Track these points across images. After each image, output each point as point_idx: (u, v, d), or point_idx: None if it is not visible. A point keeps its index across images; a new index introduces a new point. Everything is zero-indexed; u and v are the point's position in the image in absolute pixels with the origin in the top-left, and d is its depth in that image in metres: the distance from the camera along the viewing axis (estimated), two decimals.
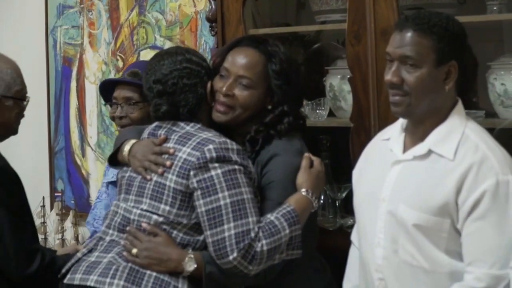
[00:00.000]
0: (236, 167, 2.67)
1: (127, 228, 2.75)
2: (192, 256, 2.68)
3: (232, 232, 2.61)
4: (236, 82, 2.92)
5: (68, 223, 4.63)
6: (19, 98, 3.24)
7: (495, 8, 3.16)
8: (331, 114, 3.51)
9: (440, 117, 2.60)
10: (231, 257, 2.59)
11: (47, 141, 4.87)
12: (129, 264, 2.68)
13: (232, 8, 3.50)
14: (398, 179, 2.62)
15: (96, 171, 4.74)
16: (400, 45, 2.55)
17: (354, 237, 2.92)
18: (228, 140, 2.70)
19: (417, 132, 2.62)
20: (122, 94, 3.43)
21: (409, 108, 2.57)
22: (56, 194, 4.66)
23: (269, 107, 2.94)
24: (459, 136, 2.55)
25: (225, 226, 2.61)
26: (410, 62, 2.53)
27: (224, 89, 2.90)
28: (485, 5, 3.18)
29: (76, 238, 4.61)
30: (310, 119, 3.43)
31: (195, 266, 2.67)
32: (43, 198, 4.64)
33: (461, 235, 2.50)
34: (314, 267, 2.98)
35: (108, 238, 2.82)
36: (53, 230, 4.69)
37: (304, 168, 2.82)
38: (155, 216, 2.72)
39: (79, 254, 2.84)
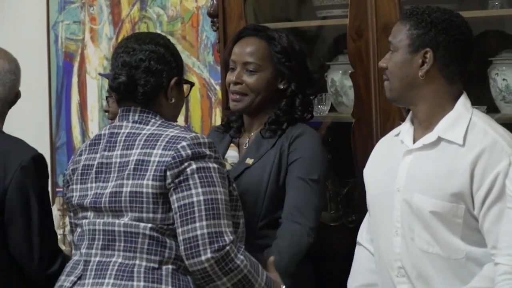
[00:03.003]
0: (211, 165, 2.55)
1: None
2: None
3: (205, 230, 2.49)
4: (243, 69, 3.06)
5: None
6: None
7: (496, 3, 3.13)
8: (332, 109, 3.50)
9: (445, 107, 2.66)
10: (203, 257, 2.47)
11: (48, 136, 4.87)
12: None
13: (234, 3, 3.47)
14: (411, 168, 2.67)
15: None
16: (391, 34, 2.72)
17: (361, 238, 2.93)
18: (198, 134, 2.60)
19: (425, 122, 2.68)
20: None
21: (391, 92, 2.71)
22: (57, 189, 4.63)
23: (281, 86, 3.07)
24: (466, 123, 2.62)
25: (197, 224, 2.49)
26: (391, 48, 2.69)
27: (234, 78, 3.05)
28: (487, 0, 3.16)
29: None
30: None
31: None
32: None
33: (481, 221, 2.55)
34: None
35: (94, 260, 2.61)
36: (55, 226, 4.67)
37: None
38: (142, 224, 2.54)
39: (66, 284, 2.64)
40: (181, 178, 2.51)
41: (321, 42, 3.73)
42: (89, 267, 2.60)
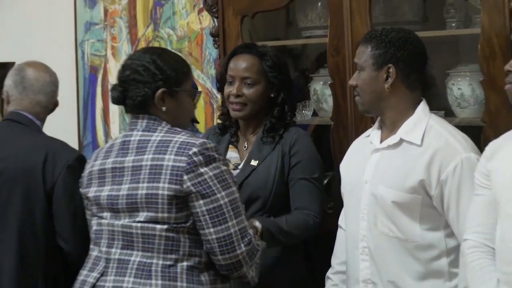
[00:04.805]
0: (223, 168, 2.48)
1: None
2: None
3: (237, 228, 2.45)
4: (242, 83, 3.04)
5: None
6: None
7: (453, 24, 3.18)
8: (314, 114, 3.54)
9: (408, 112, 2.68)
10: (238, 251, 2.45)
11: (77, 136, 4.84)
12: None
13: (232, 25, 3.49)
14: (377, 164, 2.70)
15: None
16: (355, 56, 2.73)
17: (341, 221, 2.93)
18: (205, 140, 2.51)
19: (390, 126, 2.70)
20: None
21: (363, 106, 2.73)
22: None
23: (272, 95, 3.06)
24: (424, 126, 2.64)
25: (229, 223, 2.44)
26: (358, 68, 2.70)
27: (235, 91, 3.04)
28: (445, 22, 3.21)
29: None
30: (297, 118, 3.36)
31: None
32: None
33: (446, 211, 2.57)
34: None
35: (115, 258, 2.53)
36: None
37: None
38: (159, 226, 2.46)
39: (90, 279, 2.55)
40: (203, 184, 2.43)
41: (305, 58, 3.79)
42: (110, 264, 2.53)
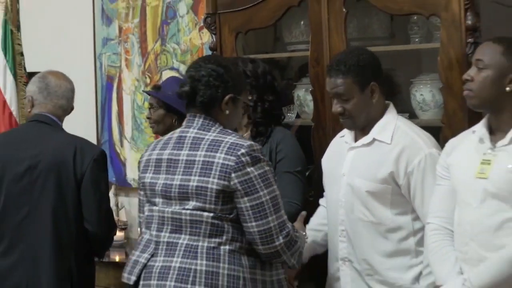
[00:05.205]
0: (266, 168, 2.40)
1: None
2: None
3: (276, 222, 2.37)
4: None
5: (111, 194, 4.56)
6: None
7: (416, 39, 3.15)
8: (298, 116, 3.50)
9: (377, 117, 2.67)
10: (277, 243, 2.37)
11: (95, 135, 4.78)
12: (204, 268, 2.35)
13: (228, 40, 3.44)
14: (353, 160, 2.69)
15: (130, 157, 4.67)
16: (333, 87, 2.66)
17: (322, 202, 2.94)
18: (252, 142, 2.43)
19: (363, 129, 2.69)
20: (149, 101, 3.37)
21: (355, 124, 2.69)
22: None
23: (250, 97, 2.88)
24: (393, 127, 2.64)
25: (270, 218, 2.36)
26: (344, 97, 2.64)
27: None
28: (409, 37, 3.17)
29: (116, 205, 4.56)
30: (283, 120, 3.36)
31: None
32: None
33: (412, 198, 2.57)
34: None
35: (164, 241, 2.45)
36: None
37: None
38: (206, 213, 2.38)
39: (142, 260, 2.47)
40: (248, 183, 2.36)
41: (290, 68, 3.74)
42: (160, 246, 2.44)
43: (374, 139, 2.65)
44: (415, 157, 2.56)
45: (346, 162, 2.70)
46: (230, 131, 2.48)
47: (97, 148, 3.08)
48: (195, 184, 2.39)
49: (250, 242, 2.40)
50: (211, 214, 2.37)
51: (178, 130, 2.54)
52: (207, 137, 2.44)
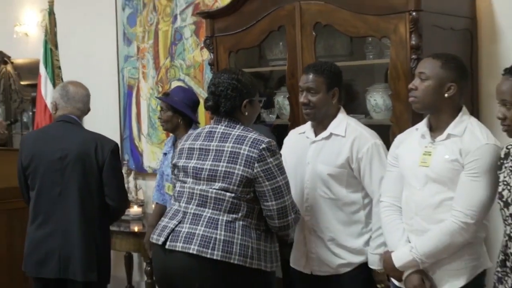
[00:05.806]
0: (280, 159, 2.39)
1: None
2: None
3: (289, 202, 2.37)
4: None
5: (131, 178, 4.53)
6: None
7: (371, 56, 3.10)
8: (277, 117, 3.43)
9: (332, 116, 2.64)
10: (289, 218, 2.37)
11: (119, 132, 4.74)
12: (222, 237, 2.30)
13: (223, 58, 3.39)
14: (315, 150, 2.65)
15: (146, 149, 4.61)
16: (306, 81, 2.63)
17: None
18: (269, 139, 2.39)
19: (320, 125, 2.66)
20: (160, 105, 3.28)
21: (315, 115, 2.64)
22: (124, 162, 4.49)
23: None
24: (345, 124, 2.62)
25: (285, 198, 2.35)
26: (312, 91, 2.61)
27: None
28: (365, 54, 3.12)
29: (135, 186, 4.50)
30: (266, 121, 3.38)
31: None
32: None
33: (363, 180, 2.55)
34: None
35: (191, 212, 2.38)
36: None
37: None
38: (228, 193, 2.33)
39: (170, 225, 2.39)
40: (268, 171, 2.33)
41: (271, 80, 3.69)
42: (187, 216, 2.39)
43: (331, 133, 2.61)
44: (364, 146, 2.54)
45: (309, 152, 2.64)
46: (250, 129, 2.44)
47: (113, 142, 3.06)
48: (223, 169, 2.35)
49: (260, 219, 2.37)
50: (233, 195, 2.34)
51: (208, 126, 2.50)
52: (233, 132, 2.40)
